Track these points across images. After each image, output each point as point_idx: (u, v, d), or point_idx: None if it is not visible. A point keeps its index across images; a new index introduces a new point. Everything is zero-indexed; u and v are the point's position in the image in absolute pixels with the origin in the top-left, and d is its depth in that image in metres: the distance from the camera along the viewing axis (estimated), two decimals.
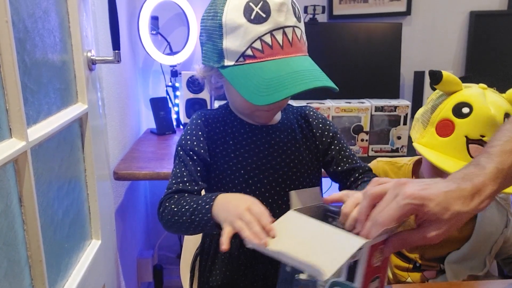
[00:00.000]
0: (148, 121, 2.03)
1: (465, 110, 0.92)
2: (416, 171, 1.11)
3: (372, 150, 1.61)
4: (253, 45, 0.75)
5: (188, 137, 0.89)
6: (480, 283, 0.98)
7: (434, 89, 1.02)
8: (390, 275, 1.14)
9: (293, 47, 0.78)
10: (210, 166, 0.89)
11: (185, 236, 1.20)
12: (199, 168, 0.87)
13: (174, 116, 1.99)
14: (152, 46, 1.87)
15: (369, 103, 1.58)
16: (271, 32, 0.75)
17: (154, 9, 1.84)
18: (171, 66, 1.94)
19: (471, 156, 0.91)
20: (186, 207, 0.79)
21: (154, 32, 1.91)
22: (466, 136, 0.91)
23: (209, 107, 1.87)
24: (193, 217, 0.77)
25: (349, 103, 1.58)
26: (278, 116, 0.94)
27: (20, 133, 0.75)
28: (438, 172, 0.94)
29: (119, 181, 1.52)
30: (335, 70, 1.79)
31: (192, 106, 1.86)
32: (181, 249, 1.64)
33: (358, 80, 1.83)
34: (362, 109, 1.57)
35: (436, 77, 0.94)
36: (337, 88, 0.76)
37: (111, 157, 1.46)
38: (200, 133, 0.89)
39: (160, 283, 1.99)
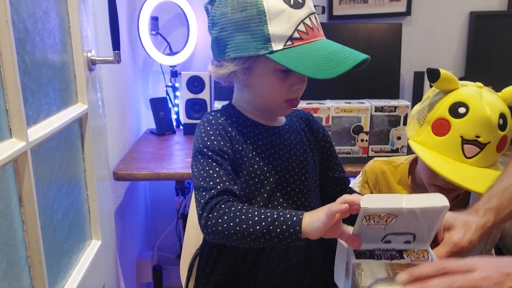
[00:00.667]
0: (148, 122, 2.03)
1: (462, 110, 0.92)
2: (412, 171, 1.12)
3: (372, 151, 1.61)
4: (299, 28, 0.79)
5: (212, 137, 0.85)
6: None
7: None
8: None
9: (321, 31, 0.85)
10: (235, 168, 0.86)
11: (185, 237, 1.20)
12: (230, 168, 0.84)
13: (174, 117, 1.99)
14: (152, 46, 1.87)
15: (369, 104, 1.58)
16: (309, 16, 0.81)
17: (154, 9, 1.84)
18: (171, 66, 1.94)
19: (466, 157, 0.92)
20: (262, 217, 0.76)
21: (154, 33, 1.91)
22: (461, 136, 0.92)
23: (209, 108, 1.87)
24: (267, 236, 0.75)
25: (349, 103, 1.58)
26: (283, 118, 0.95)
27: (20, 133, 0.75)
28: (432, 173, 0.96)
29: (118, 182, 1.51)
30: None
31: (192, 106, 1.86)
32: (180, 249, 1.64)
33: (358, 81, 1.83)
34: (362, 109, 1.57)
35: (434, 75, 0.94)
36: (369, 58, 0.83)
37: (111, 158, 1.46)
38: (224, 132, 0.86)
39: (160, 283, 1.99)
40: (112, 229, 1.34)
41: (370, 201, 0.69)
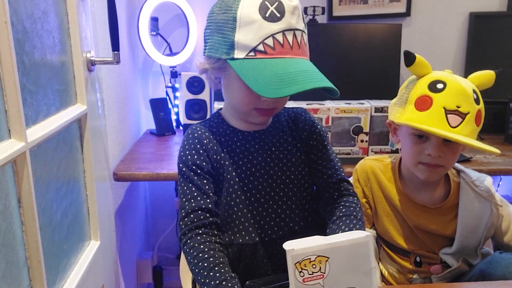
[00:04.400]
0: (147, 122, 2.03)
1: (440, 85, 0.98)
2: (400, 168, 1.14)
3: (372, 151, 1.61)
4: (266, 41, 0.78)
5: (187, 152, 0.89)
6: (479, 283, 0.98)
7: None
8: (391, 279, 1.14)
9: (300, 50, 0.82)
10: (214, 178, 0.90)
11: None
12: (205, 181, 0.88)
13: (173, 117, 1.99)
14: (152, 47, 1.87)
15: (369, 104, 1.58)
16: (283, 32, 0.79)
17: (154, 10, 1.84)
18: (171, 67, 1.94)
19: (451, 126, 0.95)
20: (203, 277, 0.80)
21: (154, 33, 1.91)
22: (444, 108, 0.96)
23: (209, 108, 1.87)
24: None
25: (349, 104, 1.58)
26: (268, 120, 0.95)
27: (19, 134, 0.75)
28: (417, 148, 1.02)
29: (118, 182, 1.51)
30: (335, 71, 1.81)
31: (192, 107, 1.86)
32: (180, 250, 1.64)
33: (358, 81, 1.83)
34: (362, 110, 1.57)
35: (410, 58, 1.01)
36: (338, 93, 0.80)
37: (111, 158, 1.46)
38: (198, 146, 0.89)
39: (160, 284, 1.99)
40: (111, 230, 1.34)
41: (294, 244, 0.66)
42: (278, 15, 0.78)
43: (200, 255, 0.82)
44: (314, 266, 0.66)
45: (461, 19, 2.00)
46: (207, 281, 0.79)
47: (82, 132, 1.09)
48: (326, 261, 0.66)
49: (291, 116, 0.98)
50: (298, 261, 0.65)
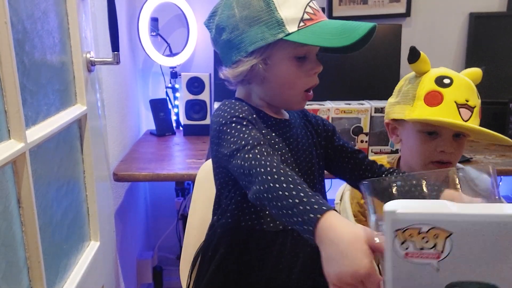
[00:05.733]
0: (147, 123, 2.03)
1: (446, 80, 0.99)
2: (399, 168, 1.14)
3: (372, 152, 1.61)
4: (307, 10, 0.83)
5: (240, 110, 0.83)
6: None
7: None
8: None
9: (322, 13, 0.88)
10: None
11: (185, 238, 1.20)
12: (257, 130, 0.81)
13: (173, 118, 1.99)
14: (152, 47, 1.87)
15: (369, 105, 1.58)
16: (312, 1, 0.85)
17: (154, 10, 1.84)
18: (171, 67, 1.94)
19: (463, 120, 0.96)
20: (286, 193, 0.66)
21: (154, 34, 1.91)
22: (455, 102, 0.97)
23: (209, 109, 1.86)
24: (290, 212, 0.65)
25: (349, 104, 1.58)
26: (285, 113, 0.96)
27: (18, 135, 0.75)
28: (429, 146, 1.01)
29: (119, 182, 1.51)
30: (335, 72, 1.81)
31: (192, 107, 1.86)
32: (180, 250, 1.64)
33: (358, 82, 1.83)
34: (362, 110, 1.57)
35: (415, 55, 1.02)
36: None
37: (111, 158, 1.46)
38: (246, 108, 0.85)
39: (160, 284, 1.99)
40: (111, 230, 1.34)
41: (400, 204, 0.47)
42: None
43: (281, 167, 0.69)
44: (426, 240, 0.47)
45: (461, 20, 2.00)
46: (299, 188, 0.65)
47: (82, 133, 1.09)
48: (447, 237, 0.46)
49: (301, 114, 1.00)
50: (401, 229, 0.46)
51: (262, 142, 0.75)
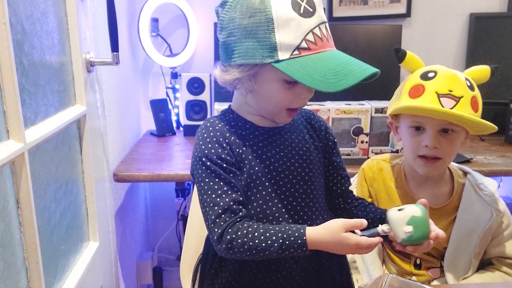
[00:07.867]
0: (148, 123, 2.03)
1: (431, 74, 1.02)
2: (406, 170, 1.14)
3: (372, 152, 1.61)
4: (307, 37, 0.78)
5: (210, 145, 0.85)
6: (479, 284, 0.98)
7: None
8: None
9: (332, 41, 0.83)
10: (238, 170, 0.87)
11: (185, 238, 1.20)
12: (231, 175, 0.84)
13: (174, 118, 1.99)
14: (152, 48, 1.87)
15: (369, 105, 1.58)
16: (319, 26, 0.79)
17: (154, 11, 1.84)
18: (171, 68, 1.94)
19: (444, 108, 0.97)
20: (269, 242, 0.79)
21: (154, 34, 1.91)
22: (436, 92, 0.99)
23: (209, 109, 1.87)
24: (280, 251, 0.79)
25: (349, 105, 1.58)
26: None
27: (17, 135, 0.75)
28: (416, 140, 1.03)
29: (119, 183, 1.51)
30: None
31: (192, 107, 1.86)
32: (181, 251, 1.64)
33: (358, 82, 1.83)
34: (362, 111, 1.57)
35: (400, 55, 1.07)
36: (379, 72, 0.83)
37: (111, 159, 1.46)
38: (221, 139, 0.85)
39: (160, 285, 1.99)
40: (110, 231, 1.34)
41: None
42: (311, 9, 0.79)
43: (256, 232, 0.80)
44: None
45: (462, 20, 2.00)
46: (274, 239, 0.79)
47: (81, 133, 1.09)
48: None
49: (304, 116, 0.98)
50: None
51: (226, 208, 0.81)
